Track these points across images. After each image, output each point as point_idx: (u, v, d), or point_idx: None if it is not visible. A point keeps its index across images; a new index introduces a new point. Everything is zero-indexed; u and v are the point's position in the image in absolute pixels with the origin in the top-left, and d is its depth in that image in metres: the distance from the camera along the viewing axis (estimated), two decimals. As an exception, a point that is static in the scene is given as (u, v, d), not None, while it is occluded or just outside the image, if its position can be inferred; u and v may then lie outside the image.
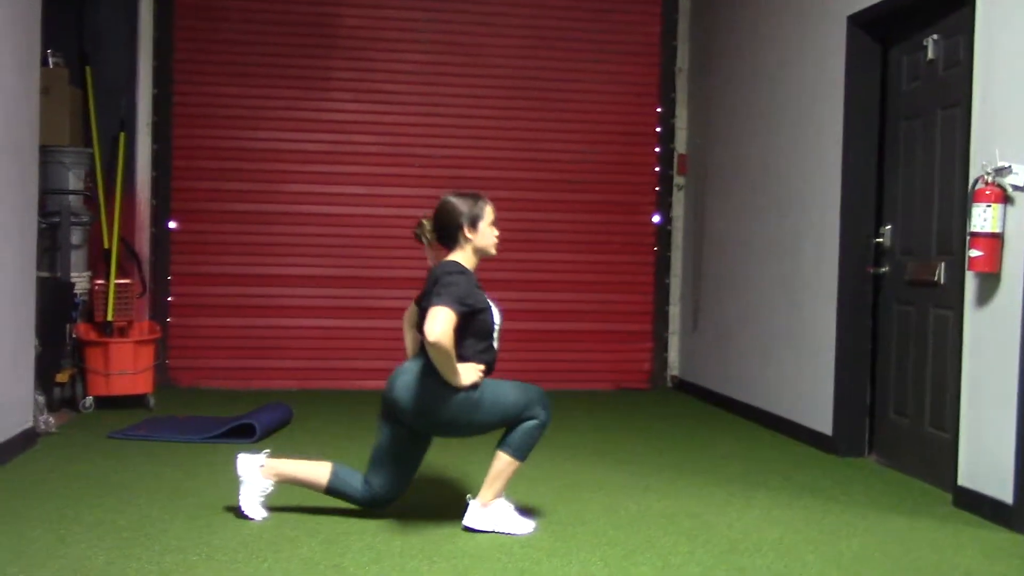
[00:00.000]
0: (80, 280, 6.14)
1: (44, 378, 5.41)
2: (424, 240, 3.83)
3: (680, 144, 7.76)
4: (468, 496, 3.84)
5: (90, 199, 6.32)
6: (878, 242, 5.34)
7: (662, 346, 7.79)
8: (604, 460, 5.07)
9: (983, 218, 4.04)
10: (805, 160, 5.84)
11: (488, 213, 3.73)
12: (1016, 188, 3.99)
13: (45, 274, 5.85)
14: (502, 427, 3.71)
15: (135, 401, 6.10)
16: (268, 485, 3.83)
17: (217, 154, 7.22)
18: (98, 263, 6.41)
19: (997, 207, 4.02)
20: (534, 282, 7.59)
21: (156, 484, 4.29)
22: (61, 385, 5.85)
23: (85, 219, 6.20)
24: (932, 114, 4.89)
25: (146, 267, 6.96)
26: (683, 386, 7.67)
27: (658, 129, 7.77)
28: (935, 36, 4.85)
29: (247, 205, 7.24)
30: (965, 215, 4.25)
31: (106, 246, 6.38)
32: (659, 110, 7.76)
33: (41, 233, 5.50)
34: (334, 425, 5.83)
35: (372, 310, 7.38)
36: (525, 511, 3.97)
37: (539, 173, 7.59)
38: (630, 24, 7.73)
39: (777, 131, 6.21)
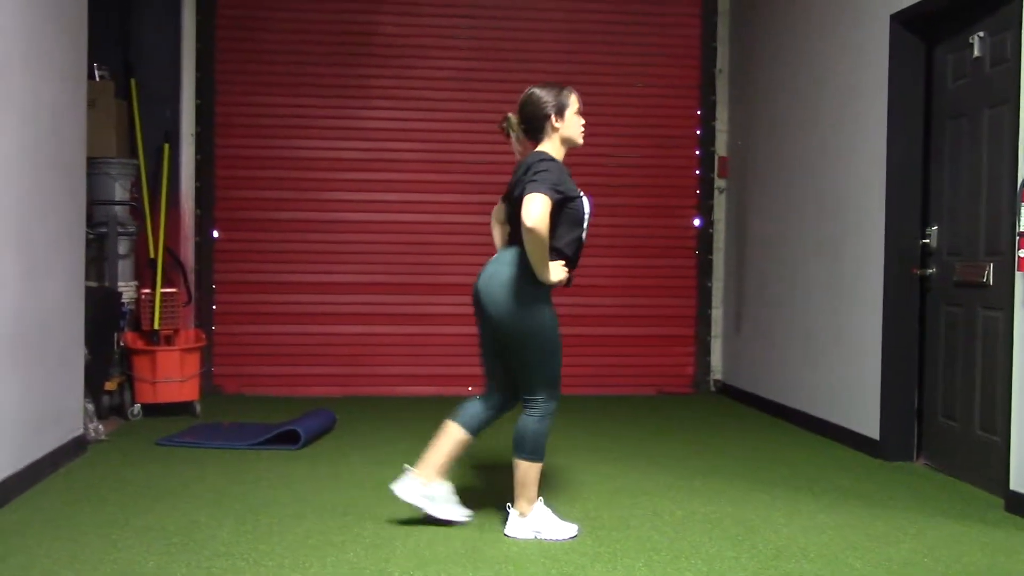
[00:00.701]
0: (127, 289, 6.23)
1: (93, 386, 5.49)
2: (511, 134, 3.83)
3: (720, 147, 7.71)
4: (508, 505, 3.84)
5: (136, 209, 6.42)
6: (924, 243, 5.26)
7: (704, 350, 7.74)
8: (647, 465, 5.05)
9: (1032, 217, 3.97)
10: (848, 161, 5.78)
11: (573, 102, 3.73)
12: (1066, 186, 3.92)
13: (93, 283, 5.95)
14: (523, 372, 3.69)
15: (182, 408, 6.18)
16: (443, 486, 3.79)
17: (259, 163, 7.29)
18: (144, 272, 6.50)
19: (1047, 206, 3.95)
20: (575, 286, 7.49)
21: (203, 490, 4.34)
22: (110, 393, 5.94)
23: (131, 229, 6.30)
24: (979, 112, 4.82)
25: (191, 276, 7.05)
26: (726, 390, 7.62)
27: (698, 132, 7.73)
28: (981, 33, 4.78)
29: (288, 213, 7.31)
30: (1014, 215, 4.18)
31: (152, 256, 6.48)
32: (699, 112, 7.72)
33: (89, 243, 5.59)
34: (377, 431, 5.86)
35: (413, 316, 7.41)
36: (567, 515, 3.96)
37: (579, 177, 7.43)
38: (669, 26, 7.70)
39: (819, 132, 6.15)
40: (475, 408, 3.91)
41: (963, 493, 4.61)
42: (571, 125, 3.72)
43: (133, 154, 6.57)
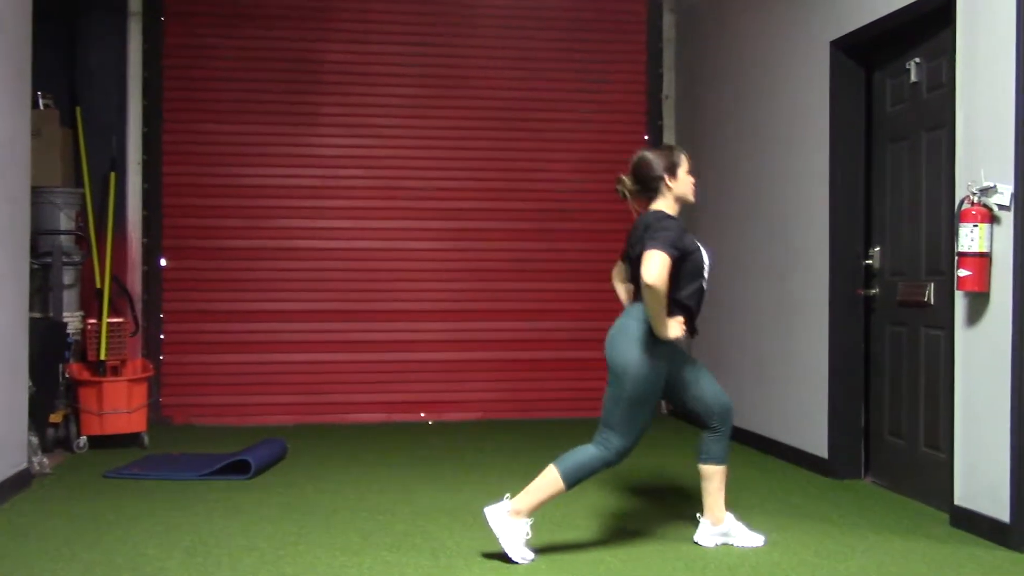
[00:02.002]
0: (72, 320, 6.14)
1: (37, 419, 5.39)
2: (626, 195, 3.97)
3: (668, 171, 7.79)
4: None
5: (82, 238, 6.34)
6: (868, 264, 5.37)
7: (656, 372, 7.78)
8: (600, 488, 5.06)
9: (970, 238, 4.07)
10: (793, 184, 5.89)
11: (684, 161, 3.88)
12: (1002, 207, 4.03)
13: (37, 314, 5.87)
14: (611, 407, 3.73)
15: (129, 440, 6.08)
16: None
17: (207, 191, 7.24)
18: (90, 302, 6.41)
19: (984, 227, 4.06)
20: (527, 311, 7.60)
21: (152, 522, 4.27)
22: (55, 425, 5.84)
23: (77, 259, 6.21)
24: (917, 136, 4.95)
25: (138, 305, 6.96)
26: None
27: (646, 157, 7.80)
28: (917, 59, 4.91)
29: (238, 241, 7.26)
30: (953, 235, 4.29)
31: (98, 285, 6.39)
32: (647, 138, 7.81)
33: (33, 274, 5.51)
34: (330, 459, 5.81)
35: (365, 343, 7.38)
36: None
37: (529, 203, 7.63)
38: (616, 53, 7.80)
39: (765, 156, 6.26)
40: (701, 441, 3.96)
41: (910, 509, 4.68)
42: (683, 183, 3.88)
43: (79, 183, 6.50)
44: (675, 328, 3.71)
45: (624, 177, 3.97)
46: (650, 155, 3.90)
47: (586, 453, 3.76)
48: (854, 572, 3.66)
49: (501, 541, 3.71)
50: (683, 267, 3.73)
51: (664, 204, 3.87)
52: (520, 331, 7.59)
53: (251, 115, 7.29)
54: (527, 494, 3.75)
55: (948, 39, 4.47)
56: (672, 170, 3.86)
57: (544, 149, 7.67)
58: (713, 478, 3.95)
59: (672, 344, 3.75)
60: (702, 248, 3.87)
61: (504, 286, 7.58)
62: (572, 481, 3.74)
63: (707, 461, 3.95)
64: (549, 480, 3.74)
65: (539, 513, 4.47)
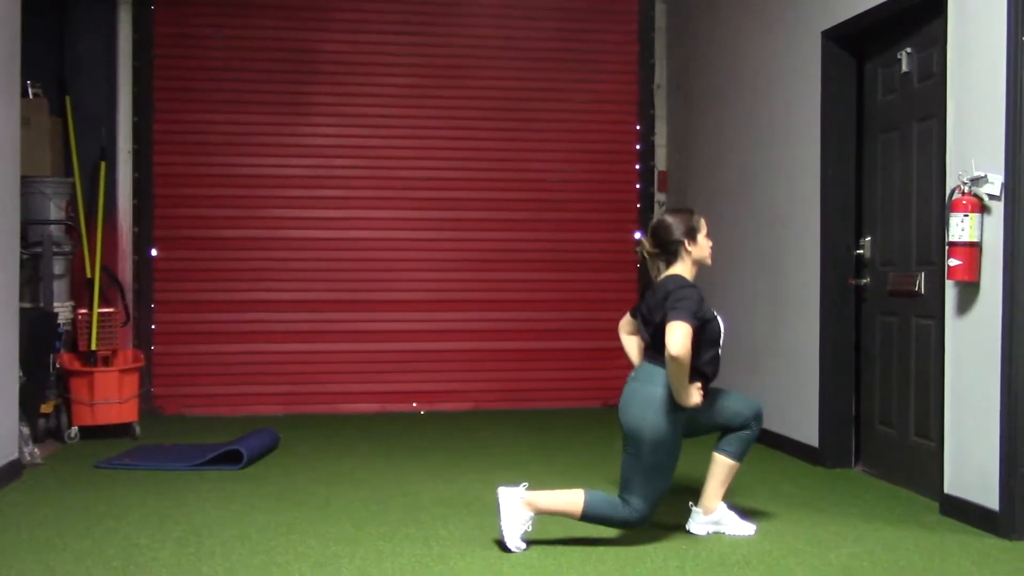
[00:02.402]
0: (63, 310, 6.12)
1: (28, 409, 5.37)
2: (645, 256, 4.01)
3: (660, 161, 7.81)
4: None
5: (72, 228, 6.31)
6: (858, 254, 5.38)
7: (647, 362, 7.80)
8: (593, 477, 5.07)
9: (961, 228, 4.09)
10: (784, 174, 5.90)
11: (703, 225, 3.93)
12: (992, 197, 4.04)
13: (28, 305, 5.84)
14: (631, 474, 3.77)
15: (120, 430, 6.07)
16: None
17: (198, 181, 7.22)
18: (81, 292, 6.39)
19: (974, 216, 4.07)
20: (518, 301, 7.60)
21: (144, 512, 4.27)
22: (46, 416, 5.82)
23: (67, 248, 6.19)
24: (908, 126, 4.95)
25: (129, 295, 6.94)
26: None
27: (638, 147, 7.82)
28: (908, 49, 4.91)
29: (229, 231, 7.24)
30: (943, 225, 4.30)
31: (88, 275, 6.37)
32: (638, 127, 7.81)
33: (23, 264, 5.49)
34: (322, 450, 5.82)
35: (357, 333, 7.38)
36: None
37: (521, 192, 7.62)
38: (608, 43, 7.79)
39: (756, 146, 6.27)
40: (729, 434, 4.01)
41: (900, 498, 4.71)
42: (702, 247, 3.93)
43: (68, 172, 6.47)
44: (695, 395, 3.75)
45: (644, 240, 4.01)
46: (670, 219, 3.93)
47: (615, 505, 3.79)
48: (844, 561, 3.68)
49: (502, 523, 3.72)
50: (702, 335, 3.75)
51: (682, 268, 3.90)
52: (513, 321, 7.59)
53: (243, 104, 7.26)
54: (546, 496, 3.78)
55: (939, 29, 4.48)
56: (692, 234, 3.89)
57: (537, 139, 7.66)
58: (722, 470, 3.99)
59: (682, 417, 3.78)
60: (718, 316, 3.89)
61: (497, 276, 7.58)
62: (590, 516, 3.77)
63: (724, 452, 3.99)
64: (571, 500, 3.77)
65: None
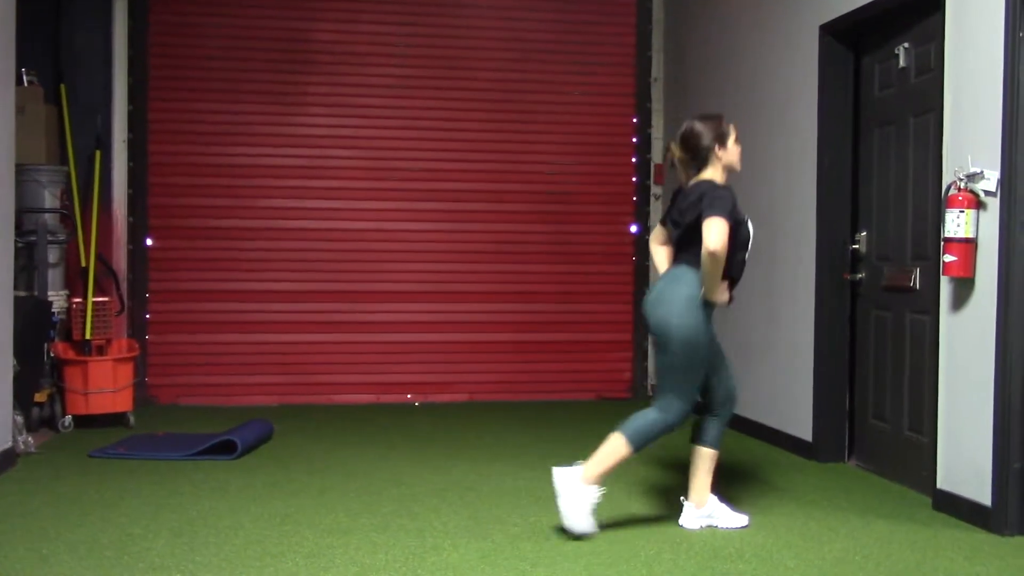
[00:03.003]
0: (57, 299, 6.11)
1: (22, 398, 5.36)
2: (673, 164, 4.04)
3: (656, 154, 7.80)
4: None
5: (67, 217, 6.30)
6: (854, 248, 5.39)
7: (642, 355, 7.81)
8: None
9: (956, 223, 4.09)
10: (780, 168, 5.90)
11: (732, 131, 3.95)
12: (988, 193, 4.05)
13: (22, 293, 5.83)
14: (663, 375, 3.87)
15: (115, 419, 6.06)
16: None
17: (193, 170, 7.20)
18: (75, 281, 6.38)
19: (970, 212, 4.07)
20: (514, 293, 7.60)
21: (138, 502, 4.27)
22: (40, 405, 5.81)
23: (62, 237, 6.18)
24: (905, 121, 4.96)
25: (124, 284, 6.93)
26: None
27: (634, 139, 7.81)
28: (906, 44, 4.91)
29: (224, 221, 7.22)
30: (939, 220, 4.30)
31: (83, 264, 6.36)
32: (635, 120, 7.80)
33: (17, 252, 5.47)
34: (316, 440, 5.82)
35: (352, 324, 7.37)
36: (506, 521, 3.98)
37: (517, 184, 7.62)
38: (606, 35, 7.78)
39: (752, 140, 6.25)
40: (702, 422, 4.08)
41: (893, 492, 4.72)
42: (732, 153, 3.95)
43: (63, 161, 6.45)
44: (725, 293, 3.84)
45: (673, 146, 4.02)
46: (700, 125, 3.94)
47: (647, 418, 3.84)
48: (837, 554, 3.69)
49: (564, 507, 3.77)
50: (735, 238, 3.80)
51: (713, 173, 3.92)
52: (508, 313, 7.59)
53: (238, 94, 7.24)
54: (597, 462, 3.81)
55: (937, 24, 4.47)
56: (722, 140, 3.91)
57: (533, 131, 7.65)
58: (705, 461, 4.01)
59: (710, 316, 3.84)
60: (749, 221, 3.93)
61: (492, 268, 7.58)
62: (638, 444, 3.82)
63: (703, 443, 4.02)
64: (617, 448, 3.80)
65: (526, 494, 4.49)
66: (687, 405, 3.86)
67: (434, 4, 7.53)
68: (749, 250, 3.95)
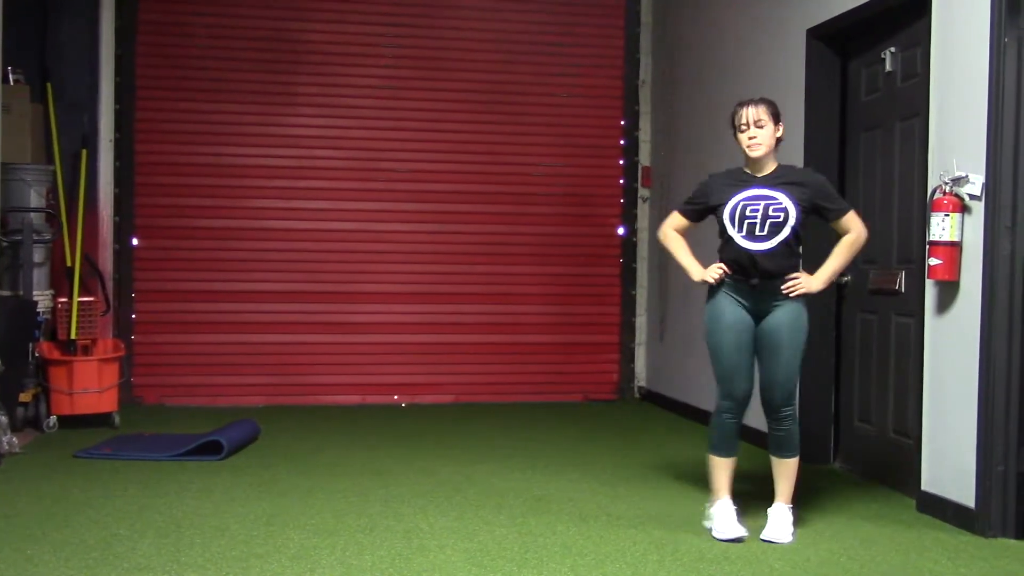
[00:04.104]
0: (43, 298, 6.08)
1: (7, 398, 5.34)
2: None
3: (644, 156, 7.82)
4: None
5: (52, 216, 6.26)
6: (840, 251, 5.40)
7: (628, 357, 7.83)
8: (573, 471, 5.09)
9: (941, 227, 4.12)
10: (767, 171, 5.91)
11: (738, 118, 4.05)
12: (973, 197, 4.07)
13: (7, 292, 5.80)
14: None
15: (100, 420, 6.03)
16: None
17: (180, 170, 7.18)
18: (61, 281, 6.34)
19: (955, 216, 4.10)
20: (501, 295, 7.60)
21: (123, 502, 4.25)
22: (24, 405, 5.78)
23: (47, 236, 6.15)
24: (891, 125, 4.98)
25: (109, 284, 6.90)
26: (650, 396, 7.71)
27: (622, 142, 7.83)
28: (893, 49, 4.94)
29: (211, 221, 7.20)
30: (924, 224, 4.33)
31: (69, 264, 6.32)
32: (623, 123, 7.82)
33: (3, 251, 5.45)
34: (302, 441, 5.80)
35: (338, 325, 7.36)
36: (493, 522, 3.98)
37: (505, 186, 7.62)
38: (594, 38, 7.79)
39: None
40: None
41: (878, 494, 4.74)
42: (740, 142, 4.08)
43: (49, 160, 6.42)
44: (695, 274, 4.11)
45: None
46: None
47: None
48: (823, 556, 3.71)
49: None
50: (716, 221, 4.06)
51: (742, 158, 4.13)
52: (495, 315, 7.59)
53: (226, 94, 7.22)
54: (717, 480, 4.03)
55: (923, 29, 4.50)
56: (734, 130, 4.09)
57: (520, 132, 7.66)
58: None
59: (740, 306, 3.98)
60: (732, 201, 3.99)
61: (479, 269, 7.58)
62: (710, 446, 4.08)
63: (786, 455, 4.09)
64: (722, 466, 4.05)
65: (512, 495, 4.49)
66: (719, 394, 4.04)
67: (423, 5, 7.53)
68: (744, 232, 3.93)
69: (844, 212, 3.96)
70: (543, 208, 7.67)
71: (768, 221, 3.89)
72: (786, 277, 3.91)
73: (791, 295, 3.91)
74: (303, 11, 7.34)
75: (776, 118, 4.02)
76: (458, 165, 7.54)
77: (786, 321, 3.92)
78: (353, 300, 7.39)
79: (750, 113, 3.99)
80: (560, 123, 7.69)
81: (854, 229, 3.96)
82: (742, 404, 4.03)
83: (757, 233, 3.90)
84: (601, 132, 7.81)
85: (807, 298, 3.96)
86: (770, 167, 4.02)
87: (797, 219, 3.89)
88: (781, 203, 3.90)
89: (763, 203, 3.91)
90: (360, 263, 7.39)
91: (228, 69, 7.23)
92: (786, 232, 3.89)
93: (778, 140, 4.05)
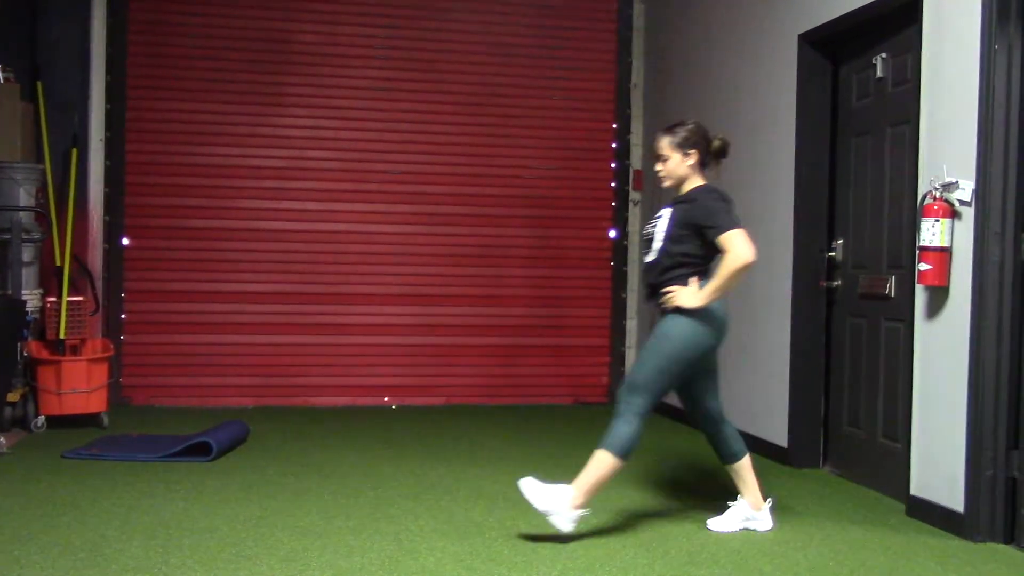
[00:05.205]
0: (31, 298, 6.05)
1: (-6, 397, 5.32)
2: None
3: (636, 160, 7.83)
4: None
5: (42, 215, 6.24)
6: (830, 256, 5.43)
7: (619, 360, 7.83)
8: (563, 473, 5.06)
9: (932, 232, 4.13)
10: (758, 176, 5.93)
11: (656, 149, 4.08)
12: (963, 203, 4.09)
13: (-5, 292, 5.77)
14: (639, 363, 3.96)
15: (88, 420, 6.01)
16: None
17: (171, 170, 7.15)
18: (50, 280, 6.32)
19: (945, 222, 4.11)
20: (492, 297, 7.60)
21: (111, 504, 4.24)
22: (12, 404, 5.75)
23: (36, 236, 6.12)
24: (882, 130, 5.00)
25: (99, 284, 6.87)
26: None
27: (614, 145, 7.84)
28: (884, 54, 4.96)
29: (201, 221, 7.18)
30: (914, 229, 4.34)
31: (58, 263, 6.30)
32: (615, 126, 7.83)
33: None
34: (292, 442, 5.79)
35: (328, 326, 7.34)
36: (483, 524, 3.98)
37: (496, 188, 7.62)
38: (585, 40, 7.80)
39: (731, 147, 6.27)
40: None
41: (867, 498, 4.76)
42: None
43: (39, 159, 6.40)
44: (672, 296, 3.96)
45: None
46: None
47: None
48: (812, 560, 3.72)
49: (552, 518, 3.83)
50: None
51: None
52: (486, 317, 7.59)
53: (217, 94, 7.21)
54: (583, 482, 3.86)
55: (914, 35, 4.52)
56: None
57: (512, 135, 7.66)
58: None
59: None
60: (647, 227, 4.12)
61: (471, 271, 7.57)
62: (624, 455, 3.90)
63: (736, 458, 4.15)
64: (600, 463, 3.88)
65: (502, 498, 4.49)
66: (647, 397, 3.91)
67: (415, 7, 7.53)
68: (648, 253, 4.06)
69: (719, 233, 3.79)
70: (534, 211, 7.67)
71: (651, 239, 4.01)
72: (662, 290, 3.94)
73: (664, 306, 3.93)
74: (295, 12, 7.33)
75: (683, 146, 4.01)
76: (449, 167, 7.53)
77: (659, 327, 3.95)
78: (343, 301, 7.38)
79: (655, 146, 4.07)
80: (552, 126, 7.70)
81: (727, 251, 3.76)
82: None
83: (646, 250, 4.06)
84: (593, 135, 7.82)
85: (702, 316, 3.86)
86: (686, 188, 4.05)
87: (667, 234, 3.94)
88: (662, 220, 4.00)
89: (655, 221, 4.04)
90: (350, 264, 7.38)
91: (220, 69, 7.21)
92: (658, 247, 3.97)
93: (715, 157, 4.10)
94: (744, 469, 4.13)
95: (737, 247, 3.75)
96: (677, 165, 4.03)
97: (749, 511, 4.11)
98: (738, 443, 4.14)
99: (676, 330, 3.87)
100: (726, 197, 3.97)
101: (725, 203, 3.92)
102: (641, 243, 4.09)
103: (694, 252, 3.90)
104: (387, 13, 7.48)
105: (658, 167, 4.07)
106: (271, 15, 7.30)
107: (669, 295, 3.89)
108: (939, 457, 4.22)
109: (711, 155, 4.10)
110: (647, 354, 3.93)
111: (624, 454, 3.83)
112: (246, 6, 7.27)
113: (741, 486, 4.13)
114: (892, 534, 4.12)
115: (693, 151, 4.03)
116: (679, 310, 3.86)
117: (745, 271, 3.77)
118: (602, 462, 3.83)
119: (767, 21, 5.85)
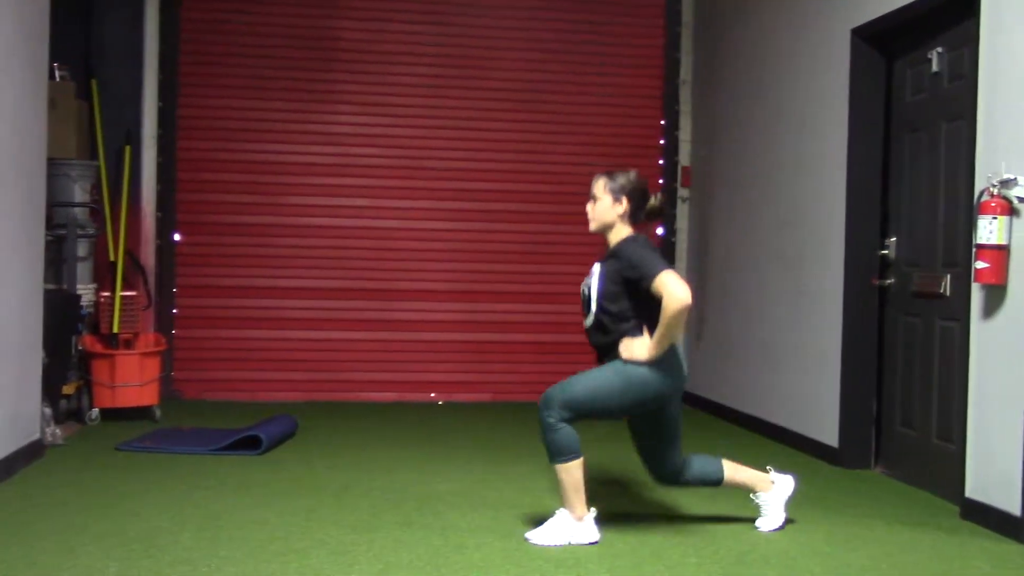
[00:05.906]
0: (86, 292, 6.16)
1: (50, 390, 5.41)
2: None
3: (684, 157, 7.78)
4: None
5: (96, 211, 6.35)
6: (883, 254, 5.35)
7: (667, 358, 7.77)
8: (609, 469, 5.07)
9: (989, 230, 4.05)
10: (810, 172, 5.86)
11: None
12: (1021, 200, 4.01)
13: (51, 286, 5.87)
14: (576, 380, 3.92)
15: (141, 413, 6.11)
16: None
17: (222, 167, 7.24)
18: (104, 275, 6.43)
19: (1003, 219, 4.03)
20: (540, 294, 7.59)
21: (163, 495, 4.29)
22: (67, 397, 5.86)
23: (91, 231, 6.22)
24: (937, 126, 4.91)
25: (151, 279, 6.98)
26: (687, 397, 7.65)
27: (662, 141, 7.79)
28: (939, 49, 4.87)
29: (252, 217, 7.26)
30: (970, 227, 4.26)
31: (112, 258, 6.41)
32: (663, 123, 7.78)
33: (48, 245, 5.52)
34: (339, 437, 5.83)
35: (376, 322, 7.39)
36: (529, 521, 3.98)
37: (543, 185, 7.61)
38: (633, 37, 7.76)
39: (781, 143, 6.23)
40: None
41: (920, 500, 4.68)
42: None
43: (93, 155, 6.51)
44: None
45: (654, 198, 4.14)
46: None
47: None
48: (863, 562, 3.66)
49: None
50: None
51: None
52: (534, 313, 7.58)
53: (267, 91, 7.28)
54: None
55: (971, 29, 4.43)
56: None
57: (560, 132, 7.65)
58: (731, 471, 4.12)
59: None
60: (584, 283, 4.03)
61: (518, 268, 7.58)
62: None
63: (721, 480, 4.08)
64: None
65: (549, 494, 4.49)
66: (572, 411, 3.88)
67: (461, 4, 7.54)
68: (587, 316, 4.00)
69: (651, 280, 3.64)
70: (582, 208, 7.60)
71: (588, 299, 3.92)
72: (616, 346, 3.82)
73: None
74: (343, 9, 7.38)
75: (617, 193, 3.94)
76: (496, 164, 7.54)
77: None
78: (392, 297, 7.41)
79: (592, 184, 4.04)
80: (599, 122, 7.67)
81: (664, 295, 3.59)
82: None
83: (586, 311, 3.96)
84: (641, 132, 7.77)
85: (658, 364, 3.74)
86: (611, 236, 3.97)
87: (600, 293, 3.85)
88: (594, 279, 3.91)
89: (588, 280, 3.95)
90: (399, 260, 7.42)
91: (269, 67, 7.29)
92: (593, 308, 3.89)
93: (648, 217, 4.03)
94: (735, 478, 4.06)
95: (671, 289, 3.59)
96: (606, 210, 3.96)
97: (773, 496, 4.09)
98: (712, 471, 4.04)
99: (613, 369, 3.82)
100: (650, 244, 3.88)
101: (651, 250, 3.81)
102: (582, 301, 3.98)
103: (632, 306, 3.79)
104: (435, 11, 7.50)
105: (588, 207, 4.01)
106: (319, 13, 7.35)
107: (623, 349, 3.78)
108: (995, 459, 4.14)
109: (644, 212, 3.99)
110: (578, 376, 3.86)
111: (572, 453, 3.77)
112: (295, 4, 7.33)
113: (746, 487, 4.08)
114: (945, 537, 4.05)
115: (626, 200, 3.94)
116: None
117: (685, 312, 3.63)
118: (564, 473, 3.75)
119: (819, 15, 5.77)
